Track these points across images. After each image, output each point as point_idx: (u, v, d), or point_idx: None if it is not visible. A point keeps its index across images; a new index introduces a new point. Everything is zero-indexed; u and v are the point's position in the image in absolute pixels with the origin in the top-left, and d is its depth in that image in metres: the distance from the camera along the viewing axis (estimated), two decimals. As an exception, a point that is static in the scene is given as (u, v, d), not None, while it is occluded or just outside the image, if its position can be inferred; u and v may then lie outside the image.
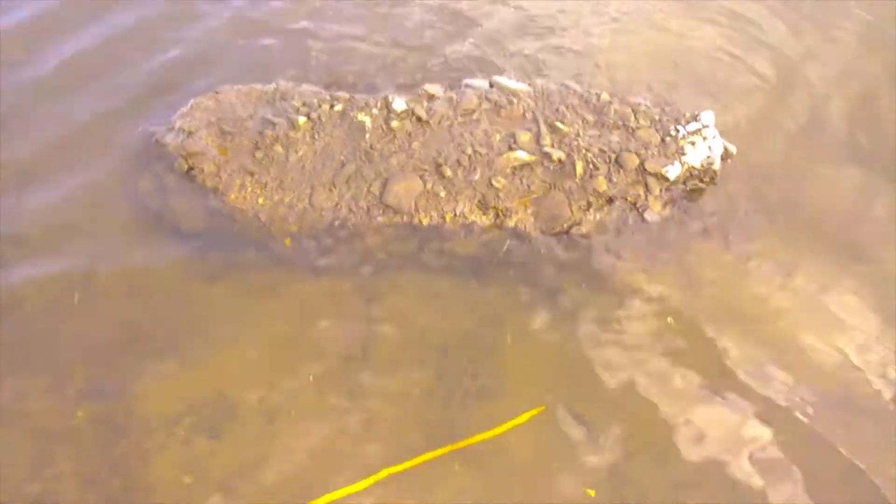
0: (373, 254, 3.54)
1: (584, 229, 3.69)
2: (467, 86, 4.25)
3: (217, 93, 4.01)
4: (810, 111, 4.53)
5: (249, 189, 3.62)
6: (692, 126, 3.96)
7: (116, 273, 3.46)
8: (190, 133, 3.77)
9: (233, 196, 3.59)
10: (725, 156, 3.98)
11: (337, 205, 3.61)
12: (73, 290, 3.34)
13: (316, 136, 3.78)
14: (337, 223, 3.58)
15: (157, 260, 3.51)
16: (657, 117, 4.06)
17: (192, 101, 3.96)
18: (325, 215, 3.59)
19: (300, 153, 3.73)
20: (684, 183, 3.89)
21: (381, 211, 3.61)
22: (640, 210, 3.74)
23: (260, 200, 3.60)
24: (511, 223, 3.67)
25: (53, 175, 3.81)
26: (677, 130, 3.95)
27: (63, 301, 3.29)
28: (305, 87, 4.11)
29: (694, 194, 3.94)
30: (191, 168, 3.67)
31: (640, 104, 4.14)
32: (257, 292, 3.39)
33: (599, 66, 4.66)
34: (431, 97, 4.07)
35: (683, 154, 3.86)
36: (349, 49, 4.61)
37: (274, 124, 3.78)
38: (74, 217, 3.62)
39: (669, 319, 3.47)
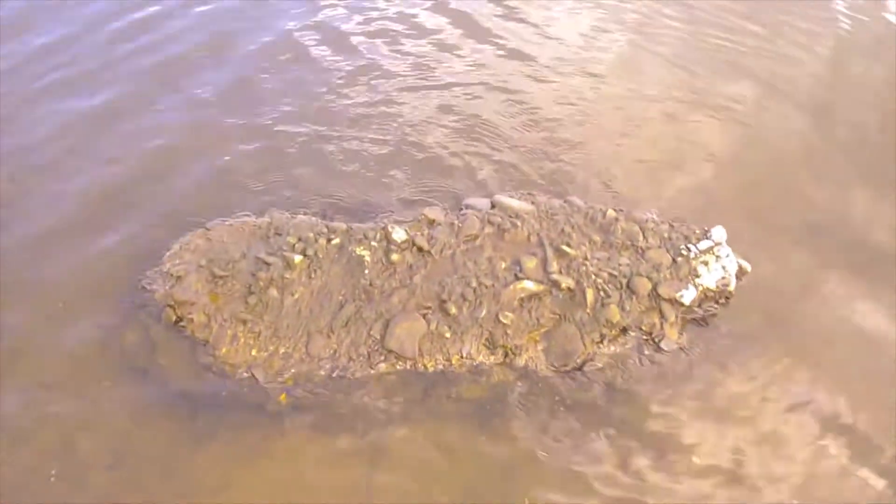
0: (374, 406, 3.31)
1: (598, 364, 3.46)
2: (468, 207, 4.09)
3: (207, 230, 3.83)
4: (823, 211, 4.35)
5: (242, 340, 3.41)
6: (704, 244, 3.78)
7: (98, 441, 3.20)
8: (178, 278, 3.57)
9: (224, 350, 3.38)
10: (740, 274, 3.79)
11: (335, 352, 3.40)
12: (51, 464, 3.06)
13: (313, 276, 3.59)
14: (336, 373, 3.36)
15: (142, 424, 3.27)
16: (666, 234, 3.89)
17: (180, 240, 3.75)
18: (322, 365, 3.38)
19: (296, 296, 3.53)
20: (699, 306, 3.69)
21: (382, 357, 3.40)
22: (656, 340, 3.53)
23: (253, 353, 3.39)
24: (521, 362, 3.46)
25: (30, 324, 3.57)
26: (688, 249, 3.77)
27: (39, 477, 3.01)
28: (301, 217, 3.92)
29: (709, 316, 3.71)
30: (179, 319, 3.45)
31: (647, 220, 3.98)
32: (249, 456, 3.16)
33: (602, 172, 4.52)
34: (432, 223, 3.91)
35: (697, 276, 3.67)
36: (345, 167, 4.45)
37: (268, 265, 3.59)
38: (52, 375, 3.38)
39: (695, 459, 3.21)
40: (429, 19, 5.99)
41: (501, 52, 5.65)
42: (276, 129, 4.79)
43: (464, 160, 4.57)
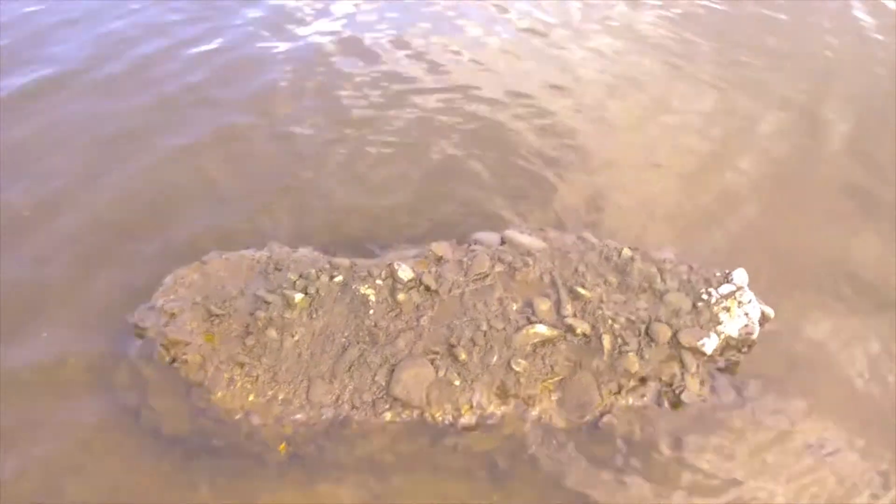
0: (379, 457, 3.11)
1: (615, 418, 3.27)
2: (477, 242, 3.89)
3: (203, 263, 3.63)
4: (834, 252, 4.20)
5: (239, 384, 3.21)
6: (725, 288, 3.60)
7: (86, 487, 3.03)
8: (172, 316, 3.36)
9: (220, 394, 3.18)
10: (763, 320, 3.61)
11: (338, 399, 3.20)
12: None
13: (314, 316, 3.39)
14: (338, 422, 3.15)
15: (133, 470, 3.06)
16: (685, 277, 3.71)
17: (175, 273, 3.55)
18: (324, 413, 3.18)
19: (296, 337, 3.33)
20: (721, 354, 3.50)
21: (388, 405, 3.20)
22: (677, 391, 3.34)
23: (250, 398, 3.18)
24: (534, 413, 3.27)
25: (14, 360, 3.35)
26: (709, 294, 3.59)
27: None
28: (302, 251, 3.72)
29: (731, 365, 3.53)
30: (173, 359, 3.24)
31: (664, 260, 3.79)
32: (247, 510, 2.93)
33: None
34: (439, 259, 3.71)
35: (719, 323, 3.49)
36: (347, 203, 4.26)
37: (267, 303, 3.39)
38: (36, 415, 3.16)
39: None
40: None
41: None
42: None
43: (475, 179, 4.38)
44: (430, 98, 5.30)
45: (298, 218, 4.15)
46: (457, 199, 4.40)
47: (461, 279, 3.60)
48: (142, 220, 4.11)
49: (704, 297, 3.59)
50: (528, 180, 4.54)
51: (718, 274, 3.71)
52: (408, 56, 5.82)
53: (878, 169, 4.81)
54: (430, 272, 3.60)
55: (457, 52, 5.89)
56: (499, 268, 3.69)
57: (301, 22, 6.31)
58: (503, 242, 3.90)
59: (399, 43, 6.01)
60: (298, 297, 3.40)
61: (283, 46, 5.94)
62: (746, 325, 3.52)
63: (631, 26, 6.34)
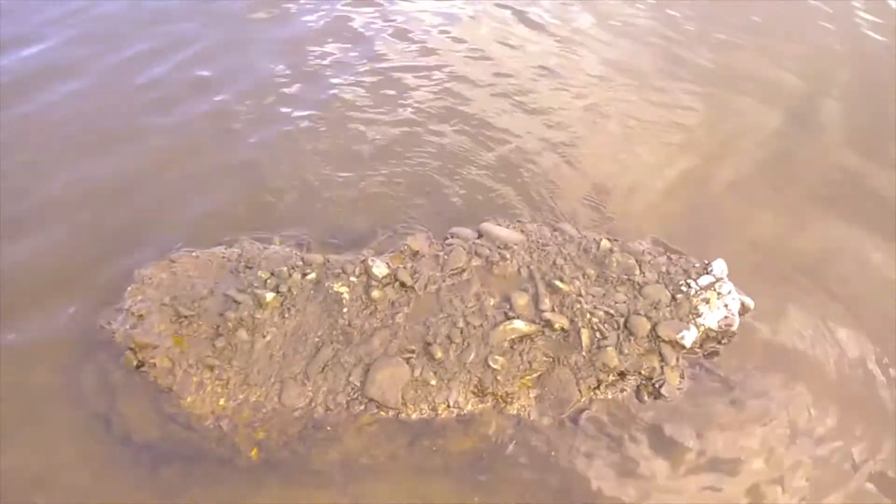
0: (354, 459, 3.04)
1: (595, 412, 3.22)
2: (454, 236, 3.81)
3: (172, 262, 3.51)
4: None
5: (209, 388, 3.13)
6: (704, 280, 3.56)
7: (55, 499, 2.95)
8: (140, 318, 3.26)
9: (189, 399, 3.09)
10: (743, 311, 3.57)
11: (311, 402, 3.12)
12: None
13: (286, 315, 3.30)
14: (312, 424, 3.07)
15: (103, 480, 2.97)
16: (664, 268, 3.66)
17: (142, 272, 3.44)
18: (297, 416, 3.09)
19: (268, 338, 3.24)
20: (700, 346, 3.46)
21: (362, 406, 3.13)
22: (657, 385, 3.30)
23: (221, 402, 3.10)
24: (512, 410, 3.21)
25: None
26: (688, 285, 3.54)
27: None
28: (274, 248, 3.63)
29: (710, 356, 3.50)
30: (141, 363, 3.14)
31: (643, 251, 3.74)
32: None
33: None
34: (415, 254, 3.63)
35: (698, 315, 3.45)
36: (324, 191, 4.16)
37: (238, 303, 3.30)
38: (3, 425, 3.06)
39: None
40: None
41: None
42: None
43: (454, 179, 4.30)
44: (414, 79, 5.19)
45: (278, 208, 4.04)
46: (430, 192, 4.30)
47: (437, 274, 3.53)
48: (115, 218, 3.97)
49: (684, 288, 3.54)
50: (504, 172, 4.45)
51: (698, 265, 3.66)
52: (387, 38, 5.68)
53: (865, 158, 4.76)
54: (405, 268, 3.52)
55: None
56: (476, 262, 3.62)
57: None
58: (480, 236, 3.81)
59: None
60: (270, 296, 3.31)
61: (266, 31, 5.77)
62: (726, 317, 3.48)
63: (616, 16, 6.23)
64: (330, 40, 5.58)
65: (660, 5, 6.34)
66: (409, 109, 4.87)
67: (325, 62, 5.37)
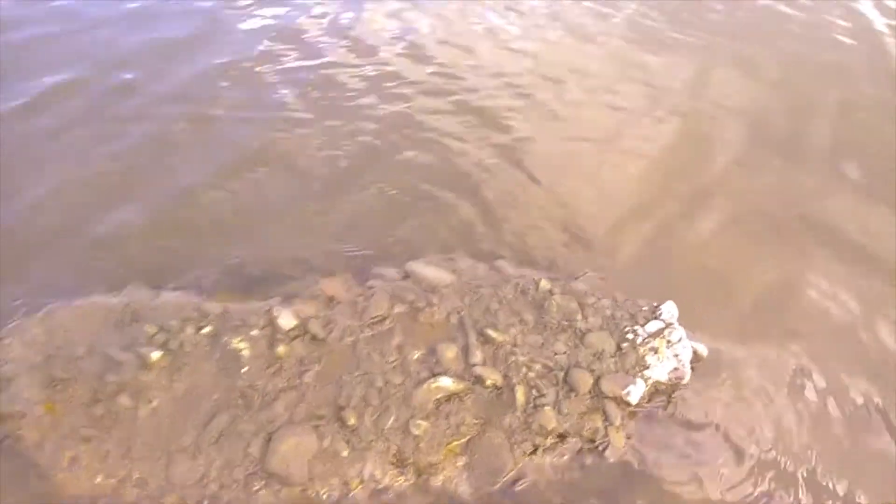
0: (253, 547, 2.58)
1: (531, 481, 2.83)
2: (376, 277, 3.40)
3: (47, 314, 3.03)
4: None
5: (85, 462, 2.68)
6: (653, 325, 3.20)
7: None
8: (8, 381, 2.79)
9: (61, 476, 2.62)
10: (695, 360, 3.22)
11: (203, 478, 2.69)
12: None
13: (175, 377, 2.87)
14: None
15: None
16: (609, 312, 3.30)
17: (10, 327, 2.97)
18: (188, 495, 2.64)
19: (153, 404, 2.80)
20: (649, 401, 3.10)
21: (263, 482, 2.71)
22: (600, 447, 2.92)
23: (98, 479, 2.65)
24: (437, 483, 2.80)
25: None
26: (635, 333, 3.18)
27: None
28: (167, 296, 3.18)
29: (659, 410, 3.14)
30: (7, 436, 2.68)
31: (586, 293, 3.36)
32: None
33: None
34: (331, 300, 3.20)
35: (645, 367, 3.09)
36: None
37: (119, 364, 2.83)
38: None
39: None
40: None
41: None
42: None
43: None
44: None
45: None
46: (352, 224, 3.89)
47: (355, 324, 3.13)
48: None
49: (630, 336, 3.19)
50: (436, 200, 4.06)
51: (646, 308, 3.31)
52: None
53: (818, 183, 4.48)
54: (317, 317, 3.09)
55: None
56: (399, 308, 3.22)
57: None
58: (406, 276, 3.41)
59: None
60: (156, 355, 2.87)
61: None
62: (676, 369, 3.13)
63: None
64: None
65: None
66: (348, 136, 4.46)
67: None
